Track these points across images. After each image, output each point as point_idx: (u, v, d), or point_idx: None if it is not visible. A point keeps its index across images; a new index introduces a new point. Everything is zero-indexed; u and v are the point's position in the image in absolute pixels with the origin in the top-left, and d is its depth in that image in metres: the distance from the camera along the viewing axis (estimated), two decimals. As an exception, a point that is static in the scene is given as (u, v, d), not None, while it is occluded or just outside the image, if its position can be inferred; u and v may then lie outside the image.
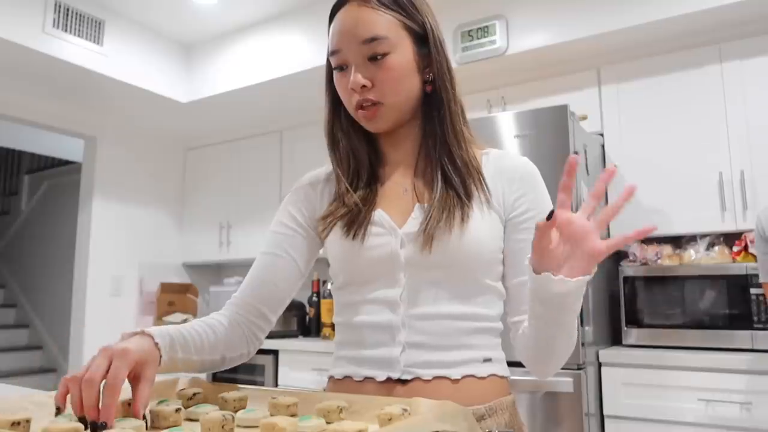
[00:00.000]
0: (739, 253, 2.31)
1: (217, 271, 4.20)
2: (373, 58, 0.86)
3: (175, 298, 3.80)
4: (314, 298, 3.42)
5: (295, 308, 3.38)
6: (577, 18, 2.50)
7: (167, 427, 0.66)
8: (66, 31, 2.84)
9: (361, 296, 0.91)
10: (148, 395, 0.70)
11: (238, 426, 0.67)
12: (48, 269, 5.45)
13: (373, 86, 0.87)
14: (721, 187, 2.32)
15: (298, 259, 0.97)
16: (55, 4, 2.80)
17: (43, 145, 4.95)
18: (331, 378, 0.95)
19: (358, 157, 0.96)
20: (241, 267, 3.96)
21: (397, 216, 0.91)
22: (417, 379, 0.85)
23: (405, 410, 0.65)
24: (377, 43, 0.86)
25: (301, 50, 3.05)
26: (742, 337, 2.13)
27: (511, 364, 0.93)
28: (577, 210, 0.74)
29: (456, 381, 0.85)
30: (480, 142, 0.98)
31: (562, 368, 0.92)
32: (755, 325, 2.12)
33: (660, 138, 2.47)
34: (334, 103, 0.96)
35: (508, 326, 0.92)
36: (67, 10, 2.85)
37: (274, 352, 3.07)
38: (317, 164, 1.05)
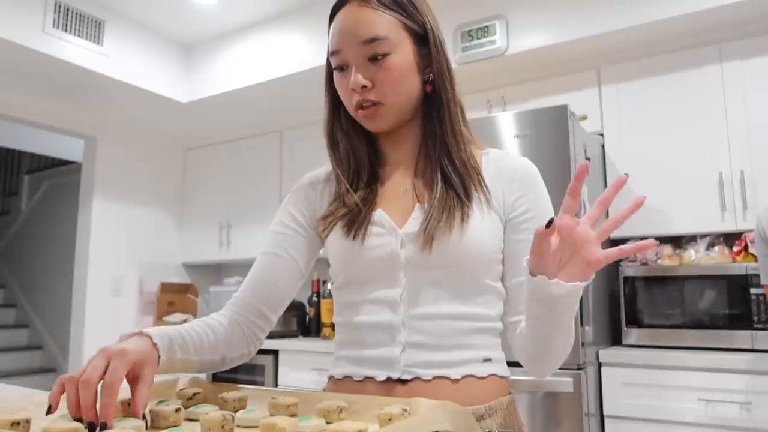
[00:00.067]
0: (739, 253, 2.31)
1: (217, 271, 4.20)
2: (374, 59, 0.86)
3: (175, 298, 3.80)
4: (314, 298, 3.42)
5: (295, 308, 3.38)
6: (577, 18, 2.50)
7: (167, 427, 0.66)
8: (66, 31, 2.84)
9: (361, 296, 0.91)
10: (147, 395, 0.70)
11: (238, 426, 0.67)
12: (48, 269, 5.45)
13: (373, 86, 0.87)
14: (721, 187, 2.32)
15: (299, 259, 0.97)
16: (55, 4, 2.80)
17: (43, 145, 4.95)
18: (331, 378, 0.95)
19: (358, 157, 0.96)
20: (241, 267, 3.96)
21: (398, 216, 0.91)
22: (417, 379, 0.85)
23: (405, 410, 0.65)
24: (377, 44, 0.86)
25: (301, 50, 3.05)
26: (742, 337, 2.13)
27: (510, 363, 0.93)
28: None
29: (456, 381, 0.85)
30: (480, 142, 0.98)
31: (562, 368, 0.92)
32: (755, 325, 2.12)
33: (660, 138, 2.47)
34: (334, 103, 0.96)
35: (506, 326, 0.93)
36: (67, 10, 2.85)
37: (274, 352, 3.07)
38: (317, 164, 1.05)
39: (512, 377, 0.96)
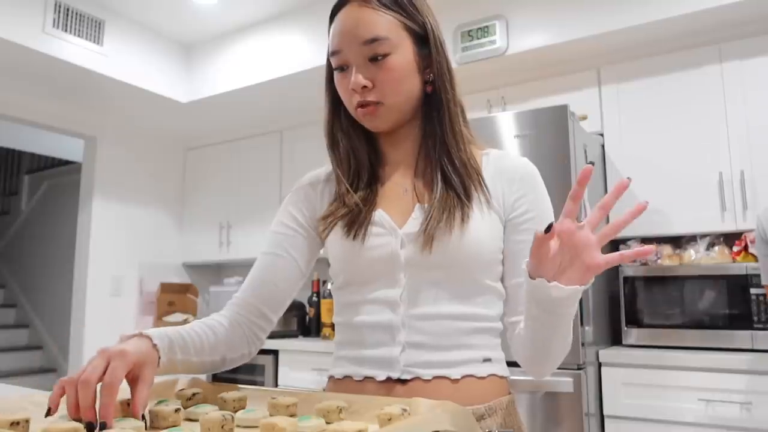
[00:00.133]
0: (739, 253, 2.31)
1: (217, 271, 4.20)
2: (374, 59, 0.86)
3: (175, 298, 3.80)
4: (314, 298, 3.42)
5: (295, 308, 3.38)
6: (577, 18, 2.50)
7: (167, 427, 0.66)
8: (66, 31, 2.84)
9: (361, 296, 0.91)
10: (146, 396, 0.70)
11: (238, 426, 0.67)
12: (48, 269, 5.45)
13: (373, 87, 0.87)
14: (721, 187, 2.32)
15: (299, 259, 0.97)
16: (55, 4, 2.80)
17: (43, 145, 4.95)
18: (331, 378, 0.95)
19: (358, 157, 0.96)
20: (241, 267, 3.96)
21: (398, 216, 0.91)
22: (417, 378, 0.85)
23: (405, 410, 0.65)
24: (378, 44, 0.86)
25: (301, 50, 3.05)
26: (742, 337, 2.13)
27: (510, 363, 0.93)
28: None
29: (456, 381, 0.85)
30: (480, 142, 0.98)
31: (562, 368, 0.92)
32: (755, 325, 2.11)
33: (660, 138, 2.47)
34: (334, 103, 0.96)
35: (505, 326, 0.93)
36: (67, 10, 2.85)
37: (274, 352, 3.07)
38: (317, 164, 1.05)
39: (512, 377, 0.96)
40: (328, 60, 0.93)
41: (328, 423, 0.66)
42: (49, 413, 0.66)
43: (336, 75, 0.91)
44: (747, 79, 2.33)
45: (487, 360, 0.88)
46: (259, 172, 3.71)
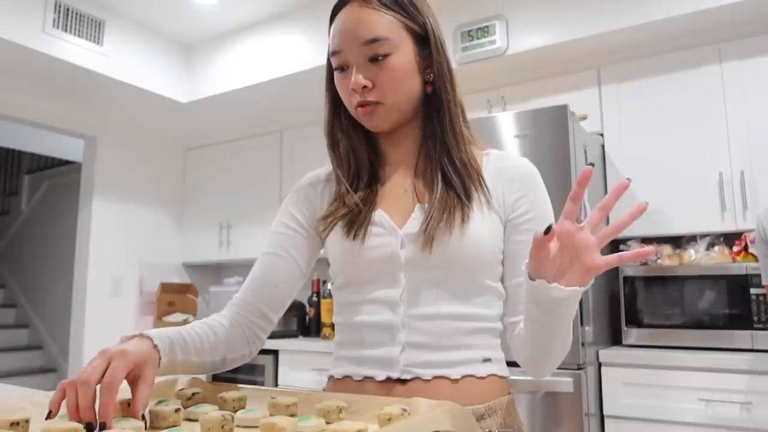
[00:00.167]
0: (739, 253, 2.31)
1: (217, 271, 4.20)
2: (374, 59, 0.86)
3: (175, 298, 3.80)
4: (314, 298, 3.43)
5: (295, 308, 3.38)
6: (577, 18, 2.50)
7: (166, 427, 0.66)
8: (66, 31, 2.84)
9: (361, 296, 0.91)
10: (147, 396, 0.70)
11: (238, 426, 0.67)
12: (48, 269, 5.45)
13: (374, 87, 0.87)
14: (721, 187, 2.32)
15: (299, 259, 0.97)
16: (55, 4, 2.80)
17: (43, 145, 4.95)
18: (330, 378, 0.95)
19: (358, 157, 0.96)
20: (241, 267, 3.96)
21: (398, 216, 0.91)
22: (417, 378, 0.85)
23: (404, 410, 0.65)
24: (378, 44, 0.86)
25: (301, 50, 3.05)
26: (742, 337, 2.13)
27: (510, 363, 0.93)
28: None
29: (455, 381, 0.85)
30: (480, 142, 0.98)
31: (562, 368, 0.92)
32: (755, 325, 2.11)
33: (660, 138, 2.47)
34: (334, 103, 0.96)
35: (505, 326, 0.93)
36: (67, 10, 2.85)
37: (274, 352, 3.07)
38: (317, 164, 1.05)
39: (512, 377, 0.96)
40: (328, 60, 0.93)
41: (328, 423, 0.66)
42: (49, 416, 0.66)
43: (336, 75, 0.91)
44: (747, 79, 2.33)
45: (487, 360, 0.88)
46: (259, 172, 3.71)
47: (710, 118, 2.38)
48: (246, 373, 3.11)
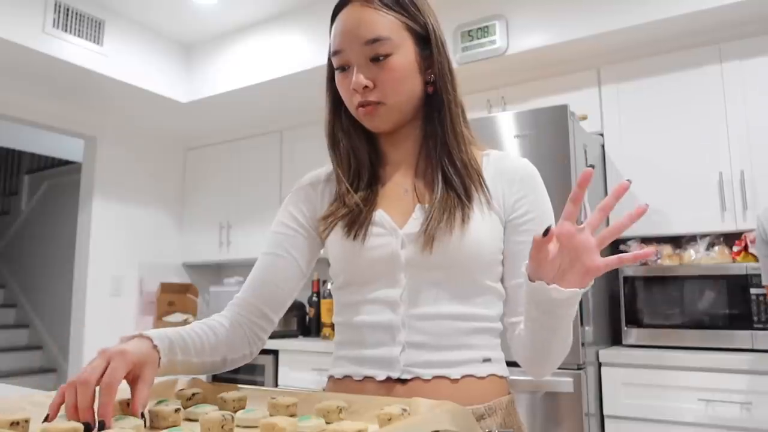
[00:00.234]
0: (739, 253, 2.31)
1: (217, 271, 4.20)
2: (376, 59, 0.86)
3: (175, 298, 3.80)
4: (314, 298, 3.43)
5: (295, 308, 3.38)
6: (577, 18, 2.50)
7: (166, 427, 0.66)
8: (66, 31, 2.84)
9: (361, 296, 0.91)
10: (146, 396, 0.70)
11: (238, 426, 0.67)
12: (48, 269, 5.45)
13: (374, 87, 0.87)
14: (721, 187, 2.32)
15: (300, 259, 0.97)
16: (55, 4, 2.80)
17: (43, 145, 4.95)
18: (330, 378, 0.95)
19: (359, 157, 0.96)
20: (241, 267, 3.96)
21: (398, 216, 0.91)
22: (417, 378, 0.85)
23: (404, 410, 0.65)
24: (379, 44, 0.86)
25: (301, 50, 3.05)
26: (742, 337, 2.13)
27: (510, 363, 0.93)
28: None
29: (455, 381, 0.85)
30: (480, 143, 0.98)
31: (562, 368, 0.92)
32: (755, 325, 2.11)
33: (660, 138, 2.47)
34: (335, 103, 0.96)
35: (505, 326, 0.93)
36: (67, 10, 2.85)
37: (274, 352, 3.07)
38: (317, 164, 1.05)
39: (512, 377, 0.96)
40: (329, 60, 0.93)
41: (327, 423, 0.66)
42: (47, 419, 0.66)
43: (337, 75, 0.91)
44: (747, 79, 2.33)
45: (486, 360, 0.88)
46: (259, 172, 3.71)
47: (710, 118, 2.38)
48: (246, 373, 3.11)
